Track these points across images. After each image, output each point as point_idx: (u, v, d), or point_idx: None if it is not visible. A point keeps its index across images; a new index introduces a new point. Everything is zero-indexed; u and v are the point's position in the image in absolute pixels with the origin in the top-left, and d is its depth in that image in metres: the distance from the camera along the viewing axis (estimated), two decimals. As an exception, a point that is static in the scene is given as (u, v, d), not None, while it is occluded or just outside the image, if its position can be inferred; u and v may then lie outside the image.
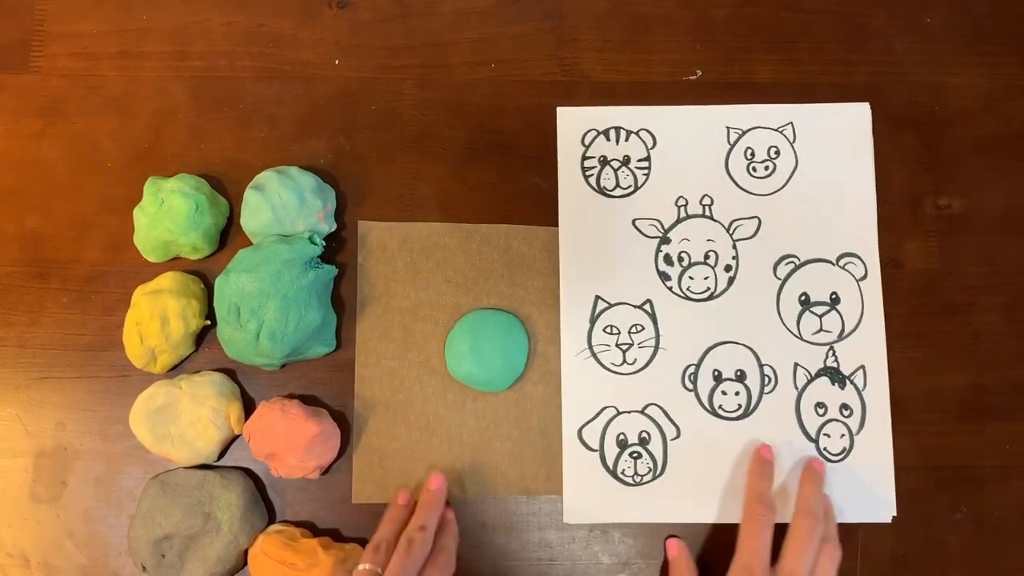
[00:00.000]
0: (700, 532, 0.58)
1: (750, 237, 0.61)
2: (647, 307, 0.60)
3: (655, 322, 0.60)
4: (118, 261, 0.60)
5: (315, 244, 0.57)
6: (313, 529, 0.58)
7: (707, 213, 0.61)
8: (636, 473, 0.59)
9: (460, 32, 0.63)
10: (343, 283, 0.60)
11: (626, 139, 0.62)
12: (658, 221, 0.61)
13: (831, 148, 0.62)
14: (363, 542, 0.58)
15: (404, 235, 0.61)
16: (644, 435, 0.59)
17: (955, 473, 0.59)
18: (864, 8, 0.64)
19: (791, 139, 0.62)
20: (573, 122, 0.62)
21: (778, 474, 0.58)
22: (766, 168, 0.62)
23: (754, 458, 0.57)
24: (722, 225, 0.61)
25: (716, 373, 0.59)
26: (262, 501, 0.57)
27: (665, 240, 0.61)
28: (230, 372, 0.59)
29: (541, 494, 0.58)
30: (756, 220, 0.61)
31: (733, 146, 0.62)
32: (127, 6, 0.63)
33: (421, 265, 0.60)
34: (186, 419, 0.56)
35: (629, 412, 0.59)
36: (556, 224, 0.61)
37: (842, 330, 0.60)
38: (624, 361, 0.60)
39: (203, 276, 0.60)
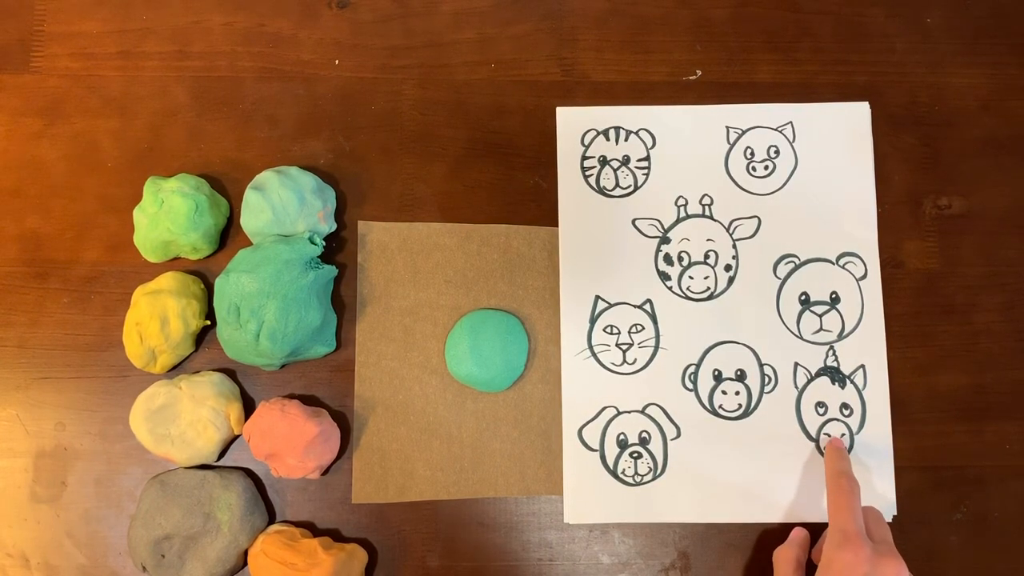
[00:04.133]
0: (700, 532, 0.58)
1: (750, 237, 0.61)
2: (647, 307, 0.60)
3: (655, 322, 0.60)
4: (118, 261, 0.60)
5: (315, 244, 0.57)
6: (313, 529, 0.58)
7: (707, 213, 0.61)
8: (636, 473, 0.59)
9: (460, 32, 0.63)
10: (343, 283, 0.60)
11: (626, 139, 0.62)
12: (658, 221, 0.61)
13: (831, 148, 0.62)
14: (363, 542, 0.58)
15: (404, 235, 0.61)
16: (644, 435, 0.59)
17: (955, 473, 0.59)
18: (864, 8, 0.64)
19: (791, 139, 0.62)
20: (573, 122, 0.62)
21: (778, 474, 0.58)
22: (766, 168, 0.62)
23: (829, 445, 0.58)
24: (722, 225, 0.61)
25: (716, 373, 0.59)
26: (262, 501, 0.57)
27: (665, 240, 0.61)
28: (230, 372, 0.59)
29: (541, 494, 0.58)
30: (756, 220, 0.61)
31: (733, 146, 0.62)
32: (127, 6, 0.63)
33: (421, 265, 0.60)
34: (186, 419, 0.56)
35: (629, 412, 0.59)
36: (556, 224, 0.61)
37: (842, 330, 0.60)
38: (624, 361, 0.60)
39: (203, 276, 0.60)
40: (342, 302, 0.60)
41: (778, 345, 0.60)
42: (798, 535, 0.56)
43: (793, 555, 0.54)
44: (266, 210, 0.57)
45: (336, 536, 0.58)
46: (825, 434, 0.59)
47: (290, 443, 0.55)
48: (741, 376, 0.59)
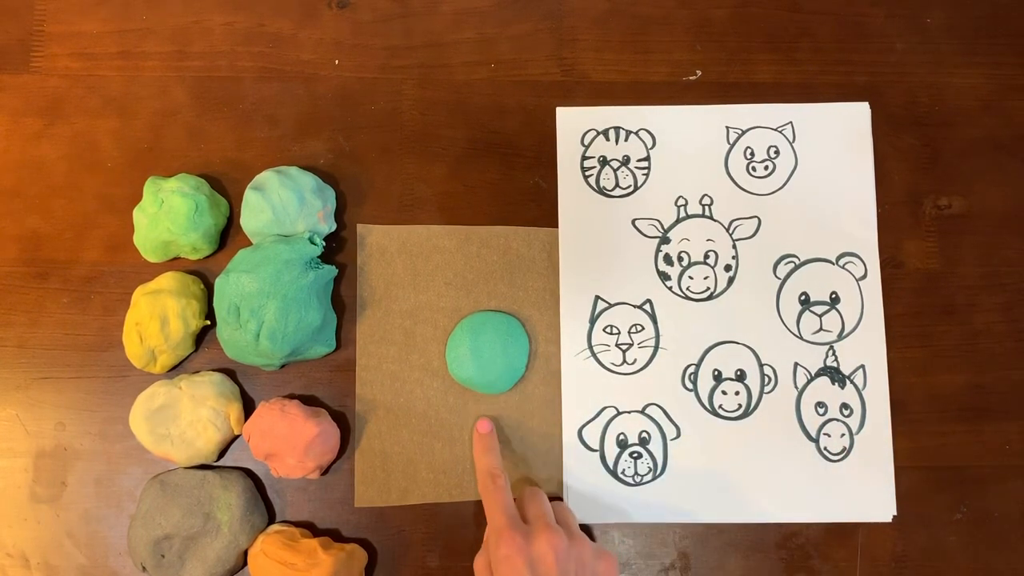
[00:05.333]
0: (700, 532, 0.58)
1: (750, 237, 0.61)
2: (647, 307, 0.60)
3: (655, 322, 0.60)
4: (118, 261, 0.60)
5: (315, 244, 0.57)
6: (313, 529, 0.58)
7: (707, 213, 0.61)
8: (636, 473, 0.59)
9: (460, 32, 0.63)
10: (343, 283, 0.60)
11: (626, 139, 0.62)
12: (658, 221, 0.61)
13: (831, 148, 0.62)
14: (363, 542, 0.58)
15: (403, 238, 0.61)
16: (644, 435, 0.59)
17: (955, 473, 0.59)
18: (864, 8, 0.64)
19: (791, 139, 0.62)
20: (573, 122, 0.62)
21: (778, 474, 0.58)
22: (766, 168, 0.62)
23: (475, 436, 0.57)
24: (722, 225, 0.61)
25: (716, 373, 0.59)
26: (262, 501, 0.57)
27: (665, 240, 0.61)
28: (230, 372, 0.59)
29: (542, 494, 0.58)
30: (756, 220, 0.61)
31: (733, 146, 0.62)
32: (127, 6, 0.63)
33: (420, 268, 0.60)
34: (186, 419, 0.56)
35: (629, 412, 0.59)
36: (556, 224, 0.61)
37: (842, 330, 0.60)
38: (624, 361, 0.60)
39: (203, 276, 0.60)
40: (342, 302, 0.60)
41: (778, 345, 0.60)
42: (488, 538, 0.54)
43: (484, 560, 0.52)
44: (266, 210, 0.57)
45: (336, 536, 0.58)
46: (825, 434, 0.59)
47: (290, 443, 0.55)
48: (741, 376, 0.59)
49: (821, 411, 0.59)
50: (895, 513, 0.58)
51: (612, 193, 0.61)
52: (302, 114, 0.62)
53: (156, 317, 0.56)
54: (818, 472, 0.58)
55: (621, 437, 0.59)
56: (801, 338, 0.60)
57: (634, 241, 0.61)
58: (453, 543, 0.58)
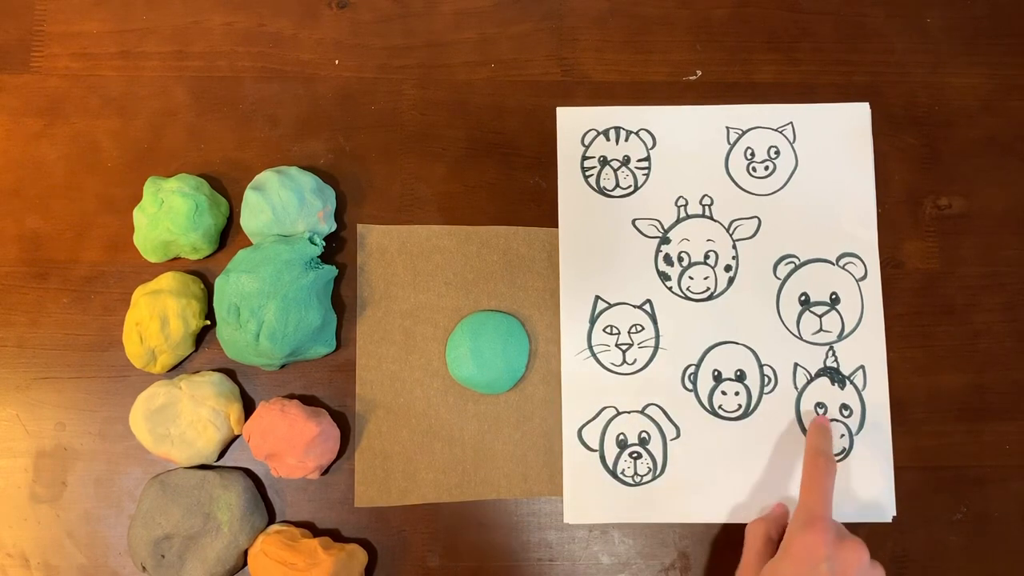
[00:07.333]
0: (700, 532, 0.58)
1: (750, 237, 0.61)
2: (647, 307, 0.60)
3: (655, 322, 0.60)
4: (118, 261, 0.60)
5: (315, 244, 0.57)
6: (313, 529, 0.58)
7: (707, 213, 0.61)
8: (636, 473, 0.59)
9: (460, 32, 0.63)
10: (343, 283, 0.60)
11: (626, 139, 0.62)
12: (658, 221, 0.61)
13: (831, 148, 0.62)
14: (363, 542, 0.58)
15: (403, 238, 0.61)
16: (644, 435, 0.59)
17: (955, 473, 0.59)
18: (864, 8, 0.64)
19: (791, 139, 0.62)
20: (573, 122, 0.62)
21: (778, 474, 0.58)
22: (766, 168, 0.62)
23: (813, 423, 0.58)
24: (722, 225, 0.61)
25: (716, 373, 0.59)
26: (262, 501, 0.57)
27: (665, 240, 0.61)
28: (230, 372, 0.59)
29: (544, 495, 0.58)
30: (756, 220, 0.61)
31: (733, 146, 0.62)
32: (127, 6, 0.63)
33: (421, 268, 0.60)
34: (186, 419, 0.56)
35: (629, 412, 0.59)
36: (556, 224, 0.61)
37: (842, 330, 0.60)
38: (624, 361, 0.60)
39: (203, 276, 0.60)
40: (342, 302, 0.60)
41: (778, 345, 0.60)
42: (776, 510, 0.56)
43: (764, 529, 0.54)
44: (266, 210, 0.57)
45: (336, 536, 0.58)
46: (823, 433, 0.59)
47: (290, 443, 0.55)
48: (741, 376, 0.59)
49: (821, 412, 0.59)
50: (895, 513, 0.58)
51: (612, 193, 0.61)
52: (302, 114, 0.62)
53: (156, 317, 0.56)
54: (818, 472, 0.58)
55: (621, 437, 0.59)
56: (801, 338, 0.60)
57: (634, 241, 0.61)
58: (453, 543, 0.58)
